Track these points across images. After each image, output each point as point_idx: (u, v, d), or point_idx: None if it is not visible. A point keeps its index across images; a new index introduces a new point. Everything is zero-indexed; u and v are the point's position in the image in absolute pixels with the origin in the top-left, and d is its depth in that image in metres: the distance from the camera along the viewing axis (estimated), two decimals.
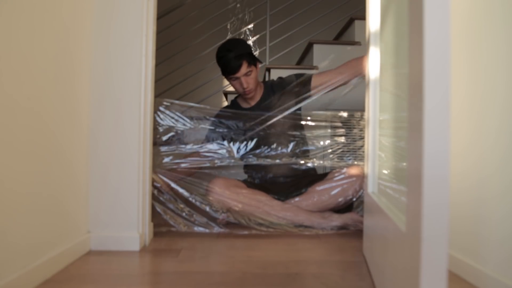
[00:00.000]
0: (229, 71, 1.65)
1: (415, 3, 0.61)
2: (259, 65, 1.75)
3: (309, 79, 1.74)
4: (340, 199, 1.60)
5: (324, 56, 2.73)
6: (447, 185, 0.55)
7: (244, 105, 1.82)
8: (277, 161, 1.69)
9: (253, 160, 1.68)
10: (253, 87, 1.70)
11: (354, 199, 1.62)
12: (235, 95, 2.05)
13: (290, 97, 1.73)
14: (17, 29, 0.88)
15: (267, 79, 2.74)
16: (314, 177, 1.74)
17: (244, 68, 1.64)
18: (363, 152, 1.77)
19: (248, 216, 1.56)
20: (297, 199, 1.63)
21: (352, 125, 1.83)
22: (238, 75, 1.65)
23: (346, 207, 1.65)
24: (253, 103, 1.80)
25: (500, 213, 0.89)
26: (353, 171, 1.62)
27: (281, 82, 1.81)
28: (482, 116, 0.98)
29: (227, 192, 1.57)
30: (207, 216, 1.57)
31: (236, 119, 1.73)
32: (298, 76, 1.77)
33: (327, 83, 1.68)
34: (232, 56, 1.62)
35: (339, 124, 1.77)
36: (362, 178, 1.59)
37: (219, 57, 1.68)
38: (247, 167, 1.82)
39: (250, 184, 1.72)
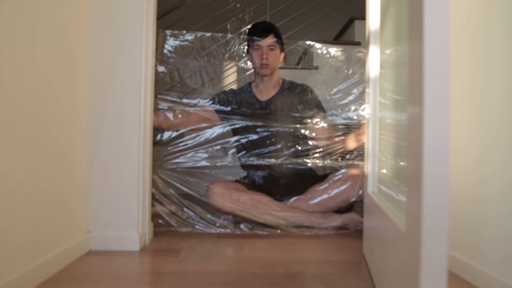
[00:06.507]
0: (256, 35, 1.68)
1: None
2: (282, 56, 1.76)
3: (320, 109, 1.75)
4: (340, 201, 1.60)
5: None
6: (447, 183, 0.55)
7: (258, 95, 1.78)
8: (275, 161, 1.69)
9: (253, 160, 1.68)
10: (272, 65, 1.70)
11: (354, 199, 1.62)
12: None
13: (302, 109, 1.73)
14: (19, 30, 0.88)
15: None
16: (314, 178, 1.74)
17: (270, 38, 1.67)
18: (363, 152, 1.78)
19: (249, 218, 1.56)
20: (297, 199, 1.62)
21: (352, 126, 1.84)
22: (262, 42, 1.67)
23: (347, 208, 1.64)
24: (267, 96, 1.77)
25: (501, 211, 0.89)
26: (354, 171, 1.62)
27: (298, 88, 1.79)
28: (482, 113, 0.98)
29: (227, 195, 1.56)
30: (207, 217, 1.57)
31: (249, 108, 1.73)
32: (311, 92, 1.78)
33: (324, 140, 1.71)
34: (264, 26, 1.69)
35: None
36: (362, 178, 1.58)
37: (251, 27, 1.71)
38: (245, 167, 1.80)
39: (249, 185, 1.71)
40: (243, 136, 1.70)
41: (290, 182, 1.73)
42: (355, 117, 1.78)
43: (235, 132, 1.74)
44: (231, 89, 1.85)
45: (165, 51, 1.69)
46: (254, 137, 1.69)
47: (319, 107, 1.78)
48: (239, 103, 1.74)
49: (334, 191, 1.60)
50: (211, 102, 1.74)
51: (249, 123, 1.68)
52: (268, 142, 1.70)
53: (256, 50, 1.70)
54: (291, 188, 1.70)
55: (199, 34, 1.73)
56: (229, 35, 1.84)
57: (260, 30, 1.69)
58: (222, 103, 1.73)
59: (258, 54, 1.70)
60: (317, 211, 1.60)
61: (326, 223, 1.57)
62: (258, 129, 1.69)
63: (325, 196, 1.60)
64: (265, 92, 1.79)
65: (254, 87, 1.82)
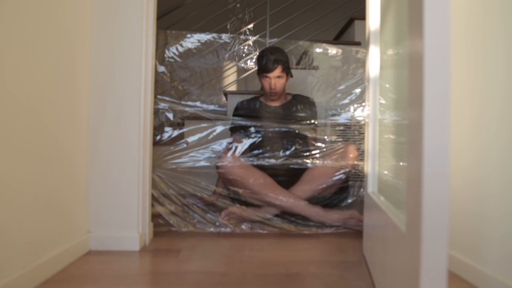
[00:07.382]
0: (264, 70, 1.84)
1: None
2: (289, 77, 1.92)
3: (315, 114, 1.93)
4: (335, 171, 1.67)
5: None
6: (447, 183, 0.55)
7: (268, 103, 1.95)
8: (275, 161, 1.72)
9: (253, 161, 1.71)
10: (279, 91, 1.87)
11: (348, 176, 1.68)
12: (236, 95, 2.07)
13: (306, 117, 1.91)
14: (21, 30, 0.88)
15: None
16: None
17: (277, 71, 1.83)
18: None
19: (252, 195, 1.62)
20: (296, 185, 1.70)
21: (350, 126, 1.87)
22: (271, 75, 1.83)
23: (342, 188, 1.71)
24: (278, 104, 1.93)
25: (501, 211, 0.89)
26: (345, 148, 1.72)
27: (306, 100, 1.95)
28: (481, 113, 0.98)
29: (237, 165, 1.65)
30: (207, 216, 1.57)
31: (261, 113, 1.89)
32: (313, 105, 1.95)
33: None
34: (272, 59, 1.83)
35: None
36: (353, 152, 1.68)
37: (260, 56, 1.87)
38: None
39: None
40: (246, 134, 1.79)
41: (288, 179, 1.76)
42: (355, 117, 1.79)
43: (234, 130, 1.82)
44: (240, 103, 1.96)
45: (165, 51, 1.70)
46: (258, 137, 1.80)
47: (313, 113, 1.92)
48: (251, 110, 1.91)
49: (329, 161, 1.69)
50: (234, 115, 1.89)
51: (257, 124, 1.82)
52: (270, 143, 1.78)
53: (265, 78, 1.84)
54: (288, 183, 1.74)
55: (199, 34, 1.74)
56: (229, 35, 1.86)
57: (269, 62, 1.82)
58: (241, 116, 1.89)
59: (267, 83, 1.85)
60: (313, 192, 1.66)
61: (326, 216, 1.58)
62: (259, 130, 1.81)
63: (317, 172, 1.68)
64: (275, 102, 1.93)
65: (262, 100, 1.96)
